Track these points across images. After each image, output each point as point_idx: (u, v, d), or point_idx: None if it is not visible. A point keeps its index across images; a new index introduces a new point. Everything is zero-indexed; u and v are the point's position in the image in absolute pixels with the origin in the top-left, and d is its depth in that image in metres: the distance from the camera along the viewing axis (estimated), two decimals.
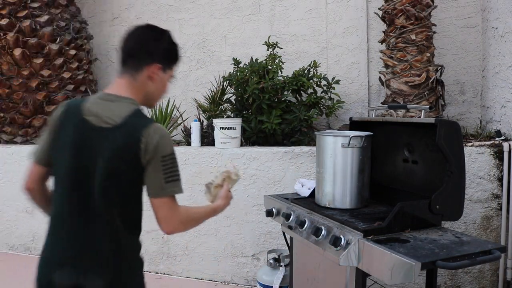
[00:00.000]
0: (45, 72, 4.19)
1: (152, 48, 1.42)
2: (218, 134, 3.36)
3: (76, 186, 1.34)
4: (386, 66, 3.37)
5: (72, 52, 4.36)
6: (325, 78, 3.58)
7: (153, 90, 1.46)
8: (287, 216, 2.15)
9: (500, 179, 2.69)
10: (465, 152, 1.89)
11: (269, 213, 2.34)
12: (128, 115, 1.35)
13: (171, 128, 4.06)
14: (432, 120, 1.85)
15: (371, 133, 2.14)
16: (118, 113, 1.35)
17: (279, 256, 2.73)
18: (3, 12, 4.05)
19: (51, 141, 1.40)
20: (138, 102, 1.43)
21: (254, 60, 3.62)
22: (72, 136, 1.34)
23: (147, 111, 1.54)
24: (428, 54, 3.20)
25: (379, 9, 3.44)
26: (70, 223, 1.36)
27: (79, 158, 1.33)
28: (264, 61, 3.57)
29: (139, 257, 1.47)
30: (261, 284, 2.72)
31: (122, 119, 1.34)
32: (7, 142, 4.36)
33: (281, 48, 3.77)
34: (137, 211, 1.42)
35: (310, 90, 3.60)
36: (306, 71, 3.59)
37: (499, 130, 2.92)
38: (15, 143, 4.31)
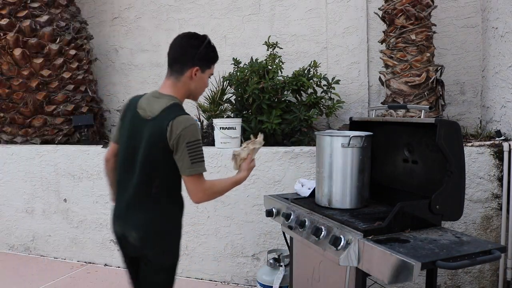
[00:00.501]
0: (45, 72, 4.19)
1: (191, 54, 1.77)
2: (218, 134, 3.36)
3: (128, 160, 1.76)
4: (386, 66, 3.37)
5: (72, 52, 4.36)
6: (325, 78, 3.58)
7: (194, 87, 1.82)
8: (287, 216, 2.15)
9: (500, 179, 2.69)
10: (465, 152, 1.89)
11: (269, 213, 2.34)
12: (163, 109, 1.71)
13: None
14: (432, 120, 1.85)
15: (371, 133, 2.14)
16: (157, 107, 1.72)
17: (279, 256, 2.73)
18: (3, 12, 4.05)
19: (119, 126, 1.88)
20: (181, 97, 1.80)
21: (254, 60, 3.62)
22: (129, 124, 1.79)
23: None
24: (428, 54, 3.20)
25: (379, 9, 3.44)
26: (122, 186, 1.80)
27: (132, 140, 1.76)
28: (264, 61, 3.57)
29: (171, 224, 1.80)
30: (261, 284, 2.72)
31: (158, 113, 1.71)
32: (7, 142, 4.36)
33: (281, 48, 3.77)
34: (170, 182, 1.76)
35: (310, 90, 3.60)
36: (306, 71, 3.59)
37: (499, 130, 2.92)
38: (15, 143, 4.31)
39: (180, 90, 1.80)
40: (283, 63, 3.63)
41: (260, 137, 1.95)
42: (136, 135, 1.75)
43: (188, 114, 1.72)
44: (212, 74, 1.88)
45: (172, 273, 1.83)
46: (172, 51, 1.82)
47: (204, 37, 1.81)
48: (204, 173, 1.73)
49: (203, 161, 1.70)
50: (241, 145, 1.90)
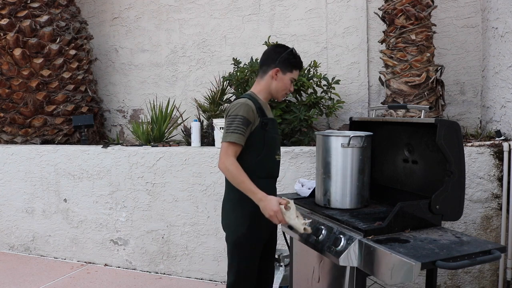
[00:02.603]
0: (45, 72, 4.19)
1: (274, 57, 2.06)
2: (218, 134, 3.36)
3: None
4: (386, 66, 3.36)
5: (72, 52, 4.36)
6: (325, 78, 3.58)
7: (274, 86, 2.08)
8: None
9: (500, 179, 2.69)
10: (465, 152, 1.90)
11: None
12: (237, 98, 2.06)
13: (171, 128, 4.07)
14: (432, 120, 1.85)
15: (371, 133, 2.14)
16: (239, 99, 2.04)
17: (279, 256, 2.73)
18: (3, 12, 4.05)
19: None
20: (257, 92, 2.08)
21: (254, 60, 3.62)
22: None
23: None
24: (428, 54, 3.20)
25: (379, 9, 3.44)
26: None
27: None
28: None
29: (247, 212, 1.97)
30: None
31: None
32: (7, 142, 4.36)
33: None
34: (249, 161, 1.97)
35: (310, 90, 3.60)
36: (306, 71, 3.59)
37: (499, 130, 2.92)
38: (15, 143, 4.31)
39: (260, 86, 2.10)
40: None
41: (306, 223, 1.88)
42: None
43: (250, 99, 1.98)
44: (295, 79, 2.12)
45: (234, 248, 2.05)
46: (261, 58, 2.13)
47: (289, 47, 2.10)
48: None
49: (236, 133, 1.90)
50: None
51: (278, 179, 2.16)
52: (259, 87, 2.10)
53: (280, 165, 2.20)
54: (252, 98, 2.02)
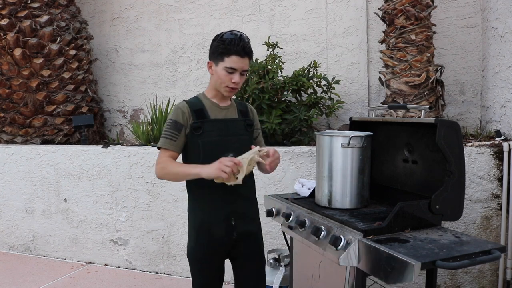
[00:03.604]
0: (45, 72, 4.19)
1: (209, 50, 1.87)
2: None
3: None
4: (386, 66, 3.37)
5: (72, 52, 4.36)
6: (325, 78, 3.58)
7: (214, 82, 1.89)
8: (287, 216, 2.15)
9: (500, 179, 2.70)
10: (465, 152, 1.90)
11: (269, 213, 2.34)
12: (236, 98, 1.90)
13: None
14: (432, 120, 1.85)
15: (371, 133, 2.14)
16: None
17: (279, 256, 2.73)
18: (3, 12, 4.05)
19: None
20: (210, 93, 1.91)
21: (254, 60, 3.62)
22: None
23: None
24: (428, 54, 3.20)
25: (379, 9, 3.44)
26: None
27: None
28: (264, 61, 3.57)
29: (193, 224, 1.91)
30: None
31: None
32: (7, 142, 4.36)
33: (281, 48, 3.77)
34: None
35: (310, 90, 3.60)
36: (306, 71, 3.59)
37: (499, 130, 2.92)
38: (15, 143, 4.31)
39: (209, 84, 1.94)
40: (283, 63, 3.63)
41: (263, 152, 1.80)
42: None
43: (188, 101, 1.88)
44: (233, 68, 1.80)
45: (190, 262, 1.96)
46: None
47: (221, 33, 1.85)
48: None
49: (164, 137, 1.83)
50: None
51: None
52: (208, 85, 1.94)
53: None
54: (194, 99, 1.90)
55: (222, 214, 1.88)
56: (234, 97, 2.01)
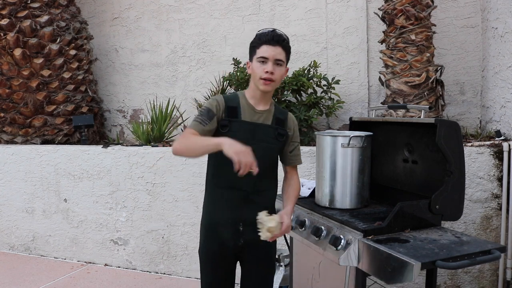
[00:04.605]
0: (45, 72, 4.19)
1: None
2: None
3: None
4: (386, 66, 3.37)
5: (72, 52, 4.36)
6: (325, 78, 3.58)
7: (252, 78, 1.85)
8: None
9: (500, 179, 2.70)
10: (465, 152, 1.90)
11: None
12: None
13: (171, 128, 4.07)
14: (432, 120, 1.85)
15: (371, 133, 2.15)
16: None
17: (279, 256, 2.73)
18: (3, 12, 4.05)
19: None
20: (249, 92, 1.87)
21: None
22: None
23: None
24: (428, 54, 3.20)
25: (379, 9, 3.44)
26: None
27: None
28: None
29: (203, 224, 1.93)
30: None
31: None
32: (7, 142, 4.36)
33: None
34: (209, 168, 1.92)
35: (310, 90, 3.60)
36: (306, 71, 3.59)
37: (499, 130, 2.92)
38: (15, 143, 4.31)
39: (249, 85, 1.90)
40: None
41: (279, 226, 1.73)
42: None
43: (226, 96, 1.87)
44: (264, 57, 1.76)
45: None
46: None
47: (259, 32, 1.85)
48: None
49: (198, 121, 1.77)
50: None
51: (278, 179, 2.07)
52: (249, 86, 1.90)
53: (280, 165, 2.09)
54: (232, 95, 1.89)
55: (230, 218, 1.84)
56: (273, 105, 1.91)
